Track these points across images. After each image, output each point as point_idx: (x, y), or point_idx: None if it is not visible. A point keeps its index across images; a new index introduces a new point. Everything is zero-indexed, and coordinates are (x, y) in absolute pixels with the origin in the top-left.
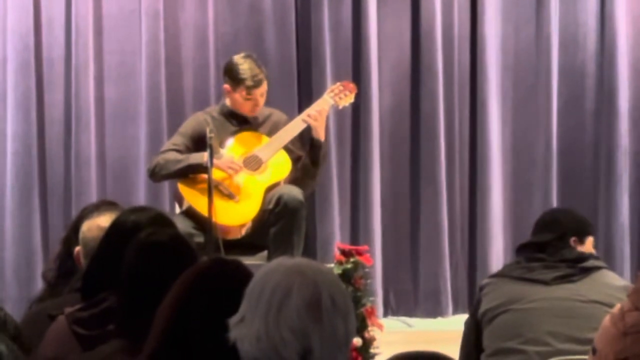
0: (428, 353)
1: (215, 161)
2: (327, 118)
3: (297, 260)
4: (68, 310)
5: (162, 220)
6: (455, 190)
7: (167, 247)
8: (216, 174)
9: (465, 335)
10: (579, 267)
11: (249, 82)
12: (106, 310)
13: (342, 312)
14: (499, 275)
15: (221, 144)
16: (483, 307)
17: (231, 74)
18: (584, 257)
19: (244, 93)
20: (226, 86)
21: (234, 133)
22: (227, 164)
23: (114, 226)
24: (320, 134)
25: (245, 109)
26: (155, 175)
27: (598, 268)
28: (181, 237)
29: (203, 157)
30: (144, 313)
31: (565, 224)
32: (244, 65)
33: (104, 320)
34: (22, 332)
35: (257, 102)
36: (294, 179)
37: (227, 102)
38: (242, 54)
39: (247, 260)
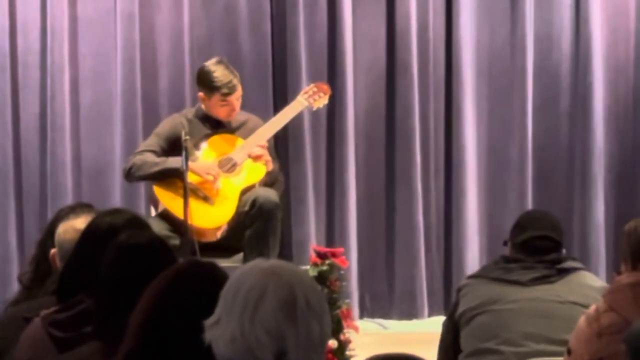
0: (403, 355)
1: (192, 166)
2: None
3: (273, 262)
4: (44, 312)
5: (137, 223)
6: (430, 192)
7: (146, 250)
8: (192, 178)
9: (443, 336)
10: (556, 268)
11: (224, 90)
12: (82, 313)
13: (317, 314)
14: (477, 276)
15: (196, 147)
16: (461, 308)
17: (205, 82)
18: (562, 258)
19: (219, 100)
20: (201, 94)
21: (208, 136)
22: (204, 171)
23: (90, 228)
24: (268, 167)
25: (222, 114)
26: (131, 175)
27: (576, 269)
28: (160, 240)
29: (180, 162)
30: (123, 315)
31: (561, 234)
32: (217, 72)
33: (80, 323)
34: None
35: (233, 107)
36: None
37: (202, 104)
38: (213, 60)
39: (223, 263)
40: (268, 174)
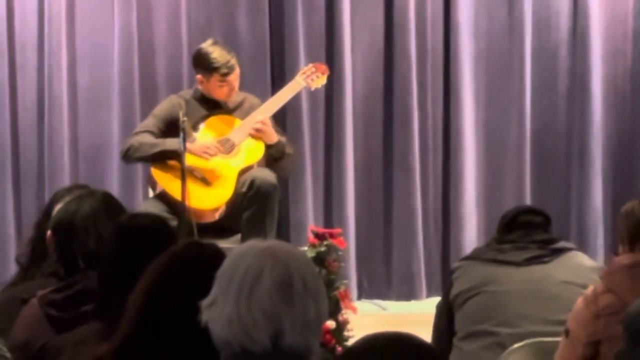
0: (400, 335)
1: (189, 146)
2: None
3: (269, 242)
4: (40, 292)
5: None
6: (428, 174)
7: (148, 231)
8: (190, 159)
9: (436, 318)
10: (549, 248)
11: (223, 70)
12: (80, 292)
13: (313, 295)
14: (470, 258)
15: (194, 128)
16: (455, 290)
17: (203, 64)
18: (554, 238)
19: (218, 80)
20: (199, 76)
21: (206, 117)
22: (201, 149)
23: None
24: (269, 140)
25: (221, 95)
26: (128, 157)
27: (568, 249)
28: (162, 220)
29: (178, 143)
30: (124, 296)
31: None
32: (215, 53)
33: (77, 302)
34: None
35: (232, 87)
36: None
37: (200, 87)
38: (209, 42)
39: (221, 244)
40: (275, 145)
